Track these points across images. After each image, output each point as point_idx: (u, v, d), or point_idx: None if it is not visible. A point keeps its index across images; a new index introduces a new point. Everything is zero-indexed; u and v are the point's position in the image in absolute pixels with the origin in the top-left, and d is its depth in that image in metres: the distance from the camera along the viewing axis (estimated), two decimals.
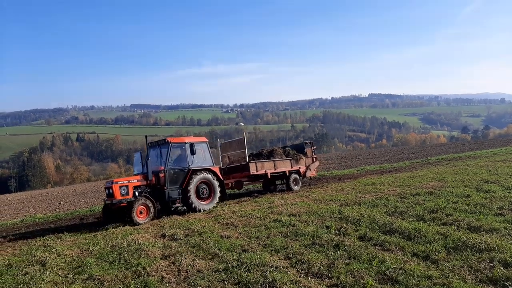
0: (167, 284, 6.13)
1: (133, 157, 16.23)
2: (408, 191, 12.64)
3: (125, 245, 8.75)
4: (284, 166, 17.38)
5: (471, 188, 12.04)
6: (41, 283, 6.50)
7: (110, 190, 12.35)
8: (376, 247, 7.04)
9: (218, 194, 14.17)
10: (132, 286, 6.13)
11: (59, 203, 24.90)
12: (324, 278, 5.81)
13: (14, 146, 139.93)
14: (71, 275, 6.96)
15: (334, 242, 7.45)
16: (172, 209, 13.58)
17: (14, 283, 6.65)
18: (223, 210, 12.64)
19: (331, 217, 9.81)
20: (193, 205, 13.31)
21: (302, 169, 18.11)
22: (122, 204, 12.28)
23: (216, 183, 14.14)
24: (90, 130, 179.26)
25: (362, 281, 5.47)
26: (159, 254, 7.83)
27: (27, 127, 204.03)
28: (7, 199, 38.39)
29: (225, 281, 6.02)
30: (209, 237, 8.83)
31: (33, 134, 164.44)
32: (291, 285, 5.57)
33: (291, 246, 7.52)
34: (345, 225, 8.68)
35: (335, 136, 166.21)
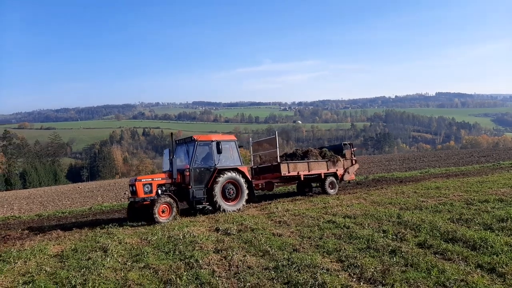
0: (217, 278, 6.23)
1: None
2: (475, 197, 11.76)
3: (181, 236, 9.03)
4: (319, 168, 16.38)
5: None
6: (101, 268, 6.90)
7: (134, 188, 12.17)
8: (436, 255, 6.62)
9: (245, 195, 13.54)
10: (184, 277, 6.30)
11: (125, 193, 26.40)
12: (377, 285, 5.57)
13: (87, 138, 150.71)
14: (129, 263, 7.31)
15: (390, 248, 7.12)
16: (199, 208, 13.10)
17: (78, 267, 7.12)
18: (277, 208, 12.60)
19: (389, 221, 9.40)
20: (218, 205, 12.80)
21: (340, 172, 17.01)
22: (145, 202, 12.02)
23: (244, 184, 13.52)
24: (155, 125, 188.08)
25: None
26: (212, 248, 7.99)
27: (99, 121, 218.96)
28: (78, 187, 41.47)
29: (274, 280, 5.98)
30: (261, 234, 8.85)
31: (103, 128, 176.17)
32: None
33: (344, 248, 7.31)
34: (403, 230, 8.27)
35: (398, 136, 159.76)
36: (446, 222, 8.77)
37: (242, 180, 13.48)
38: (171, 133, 14.09)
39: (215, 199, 12.76)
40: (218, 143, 13.09)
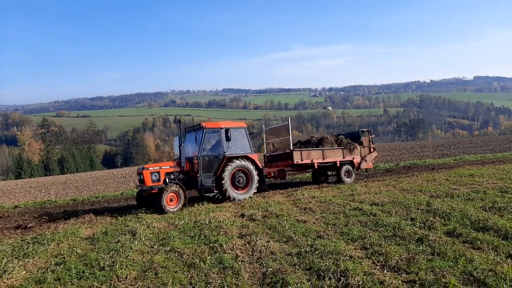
0: (240, 263, 6.28)
1: (173, 141, 15.70)
2: (511, 185, 11.25)
3: (207, 221, 9.17)
4: (335, 155, 15.81)
5: None
6: (129, 251, 7.11)
7: (141, 176, 11.98)
8: (465, 244, 6.40)
9: (255, 184, 13.23)
10: (208, 261, 6.40)
11: None
12: (401, 273, 5.45)
13: (121, 126, 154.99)
14: (156, 246, 7.50)
15: (417, 236, 6.94)
16: (210, 196, 12.93)
17: (107, 249, 7.38)
18: (303, 195, 12.55)
19: (418, 209, 9.15)
20: (227, 194, 12.56)
21: (356, 160, 16.34)
22: (153, 191, 11.83)
23: (254, 172, 13.20)
24: (186, 113, 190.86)
25: (443, 280, 5.01)
26: (236, 233, 8.06)
27: (132, 109, 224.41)
28: (112, 173, 42.83)
29: (296, 266, 5.97)
30: (286, 220, 8.84)
31: (136, 116, 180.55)
32: (364, 277, 5.32)
33: (369, 236, 7.18)
34: (432, 219, 8.03)
35: (432, 122, 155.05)
36: (478, 211, 8.45)
37: (252, 168, 13.16)
38: (179, 120, 13.76)
39: (224, 188, 12.53)
40: (227, 130, 12.71)
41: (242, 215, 9.79)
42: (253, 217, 9.39)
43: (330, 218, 8.81)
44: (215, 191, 12.83)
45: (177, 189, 11.72)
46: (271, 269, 5.92)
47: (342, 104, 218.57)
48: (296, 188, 14.77)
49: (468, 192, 10.83)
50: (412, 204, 9.64)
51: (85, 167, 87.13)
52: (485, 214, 8.11)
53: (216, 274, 5.91)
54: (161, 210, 11.27)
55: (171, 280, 5.71)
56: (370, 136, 17.34)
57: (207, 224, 8.92)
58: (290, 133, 15.16)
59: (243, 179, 13.09)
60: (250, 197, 12.96)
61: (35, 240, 8.55)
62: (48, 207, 16.57)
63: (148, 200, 12.31)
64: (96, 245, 7.82)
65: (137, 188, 12.78)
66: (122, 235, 8.39)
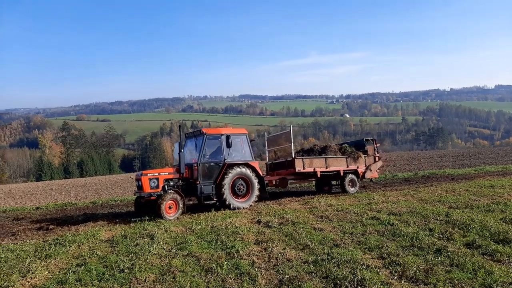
0: (257, 269, 6.34)
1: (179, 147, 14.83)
2: None
3: (223, 227, 9.26)
4: (338, 164, 15.45)
5: None
6: (148, 255, 7.25)
7: (140, 182, 11.70)
8: (485, 256, 6.32)
9: (256, 192, 12.98)
10: (225, 266, 6.47)
11: None
12: (419, 284, 5.42)
13: (139, 130, 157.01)
14: (174, 250, 7.62)
15: (435, 247, 6.88)
16: (208, 203, 12.61)
17: (126, 252, 7.54)
18: (319, 202, 12.52)
19: (436, 219, 9.05)
20: (227, 202, 12.28)
21: (361, 169, 15.96)
22: (152, 198, 11.57)
23: (255, 180, 12.95)
24: (203, 118, 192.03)
25: None
26: (252, 239, 8.12)
27: (150, 114, 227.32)
28: (130, 177, 43.37)
29: (313, 273, 5.99)
30: (302, 227, 8.86)
31: (154, 121, 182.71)
32: (381, 286, 5.32)
33: (387, 246, 7.15)
34: (451, 230, 7.94)
35: (452, 131, 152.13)
36: (498, 222, 8.31)
37: (253, 176, 12.93)
38: (179, 126, 13.20)
39: (224, 195, 12.27)
40: (227, 137, 12.46)
41: (259, 222, 9.85)
42: (270, 224, 9.44)
43: (347, 227, 8.79)
44: (214, 199, 12.51)
45: (175, 197, 11.48)
46: (288, 276, 5.95)
47: (359, 112, 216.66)
48: (313, 196, 14.76)
49: (488, 203, 10.65)
50: (431, 214, 9.54)
51: (104, 170, 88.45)
52: (505, 226, 7.98)
53: (233, 279, 5.98)
54: (159, 218, 11.03)
55: (188, 284, 5.80)
56: (375, 145, 16.97)
57: (223, 230, 9.01)
58: (292, 141, 14.94)
59: (244, 187, 12.84)
60: (250, 205, 12.76)
61: (56, 241, 8.78)
62: (69, 209, 16.94)
63: (147, 207, 12.03)
64: (116, 247, 7.99)
65: (135, 195, 12.50)
66: (141, 239, 8.55)
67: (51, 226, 11.39)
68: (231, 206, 12.34)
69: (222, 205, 12.46)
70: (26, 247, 8.52)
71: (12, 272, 6.62)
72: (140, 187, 11.77)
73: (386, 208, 10.79)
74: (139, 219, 11.45)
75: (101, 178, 52.28)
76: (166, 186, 11.86)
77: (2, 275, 6.49)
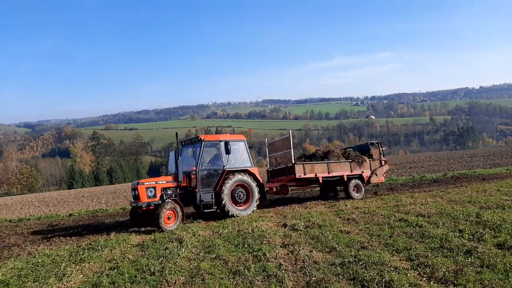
0: (283, 271, 6.40)
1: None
2: None
3: (250, 231, 9.36)
4: (341, 169, 14.89)
5: None
6: (177, 258, 7.44)
7: (136, 192, 11.20)
8: None
9: (256, 199, 12.66)
10: (252, 269, 6.56)
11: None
12: (449, 285, 5.35)
13: (165, 138, 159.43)
14: (202, 253, 7.77)
15: (465, 248, 6.75)
16: (207, 212, 12.24)
17: (156, 256, 7.76)
18: (346, 205, 12.45)
19: (467, 220, 8.86)
20: (227, 210, 11.95)
21: (366, 174, 15.39)
22: (150, 207, 11.14)
23: (255, 187, 12.64)
24: (227, 124, 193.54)
25: None
26: (279, 242, 8.18)
27: (175, 121, 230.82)
28: None
29: (340, 275, 6.00)
30: (329, 230, 8.85)
31: (180, 128, 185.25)
32: None
33: (415, 247, 7.06)
34: (481, 230, 7.76)
35: (483, 130, 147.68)
36: None
37: (252, 183, 12.63)
38: (176, 133, 12.57)
39: (223, 203, 11.95)
40: (226, 143, 12.08)
41: (284, 225, 9.90)
42: (295, 227, 9.47)
43: (374, 229, 8.72)
44: (214, 207, 12.19)
45: (174, 206, 11.03)
46: (315, 278, 5.99)
47: (385, 113, 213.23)
48: (339, 199, 14.67)
49: None
50: (461, 215, 9.34)
51: (133, 177, 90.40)
52: None
53: (261, 281, 6.06)
54: (158, 229, 10.59)
55: (217, 286, 5.93)
56: (381, 149, 16.39)
57: (250, 233, 9.11)
58: (292, 146, 14.53)
59: (243, 194, 12.51)
60: (251, 213, 12.45)
61: (89, 246, 9.12)
62: (100, 216, 17.48)
63: (143, 217, 11.53)
64: (146, 251, 8.23)
65: (131, 205, 11.83)
66: (170, 243, 8.77)
67: (84, 232, 11.83)
68: (231, 214, 12.04)
69: (222, 213, 12.16)
70: (61, 252, 8.88)
71: (49, 276, 6.93)
72: (136, 197, 11.28)
73: (414, 209, 10.62)
74: (137, 229, 11.33)
75: (130, 185, 53.49)
76: (164, 195, 11.44)
77: (40, 278, 6.81)
